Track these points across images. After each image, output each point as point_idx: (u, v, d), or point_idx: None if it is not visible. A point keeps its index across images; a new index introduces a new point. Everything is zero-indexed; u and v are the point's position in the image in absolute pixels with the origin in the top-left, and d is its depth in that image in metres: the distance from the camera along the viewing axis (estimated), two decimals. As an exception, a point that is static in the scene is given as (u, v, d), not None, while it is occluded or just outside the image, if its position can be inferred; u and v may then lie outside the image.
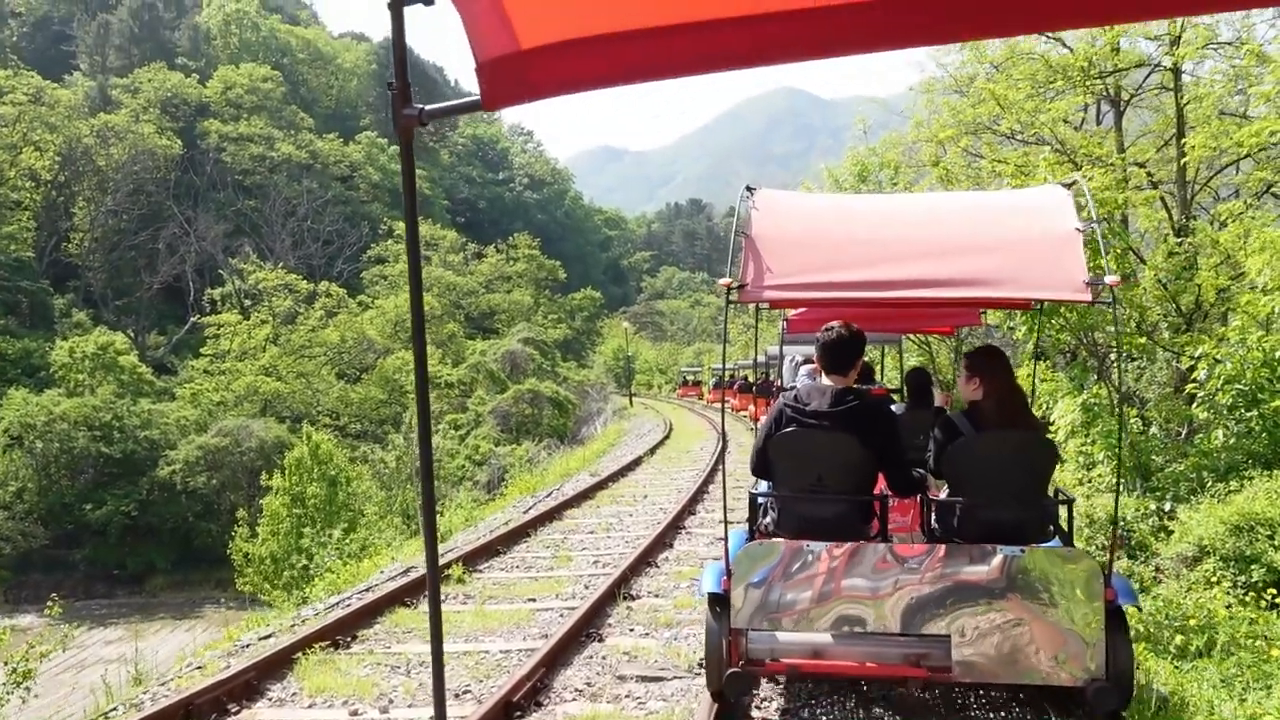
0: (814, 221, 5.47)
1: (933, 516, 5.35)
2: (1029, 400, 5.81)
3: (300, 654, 6.62)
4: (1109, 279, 4.55)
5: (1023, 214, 5.34)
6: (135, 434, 51.93)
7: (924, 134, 18.85)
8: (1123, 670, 4.67)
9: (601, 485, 17.48)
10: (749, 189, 5.36)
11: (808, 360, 10.18)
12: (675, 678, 6.03)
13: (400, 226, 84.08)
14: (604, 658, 6.53)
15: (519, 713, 5.39)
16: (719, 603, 4.99)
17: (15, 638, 21.46)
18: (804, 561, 4.81)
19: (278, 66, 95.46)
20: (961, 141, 17.54)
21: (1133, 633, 7.55)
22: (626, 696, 5.71)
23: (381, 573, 10.85)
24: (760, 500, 5.48)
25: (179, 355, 69.11)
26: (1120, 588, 4.83)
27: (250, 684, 6.06)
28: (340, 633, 7.24)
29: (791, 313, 8.57)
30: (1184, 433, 13.77)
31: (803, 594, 4.81)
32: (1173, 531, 10.27)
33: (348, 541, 17.99)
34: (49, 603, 23.96)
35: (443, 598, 8.78)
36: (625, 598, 8.17)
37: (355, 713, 5.63)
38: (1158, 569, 9.99)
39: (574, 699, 5.73)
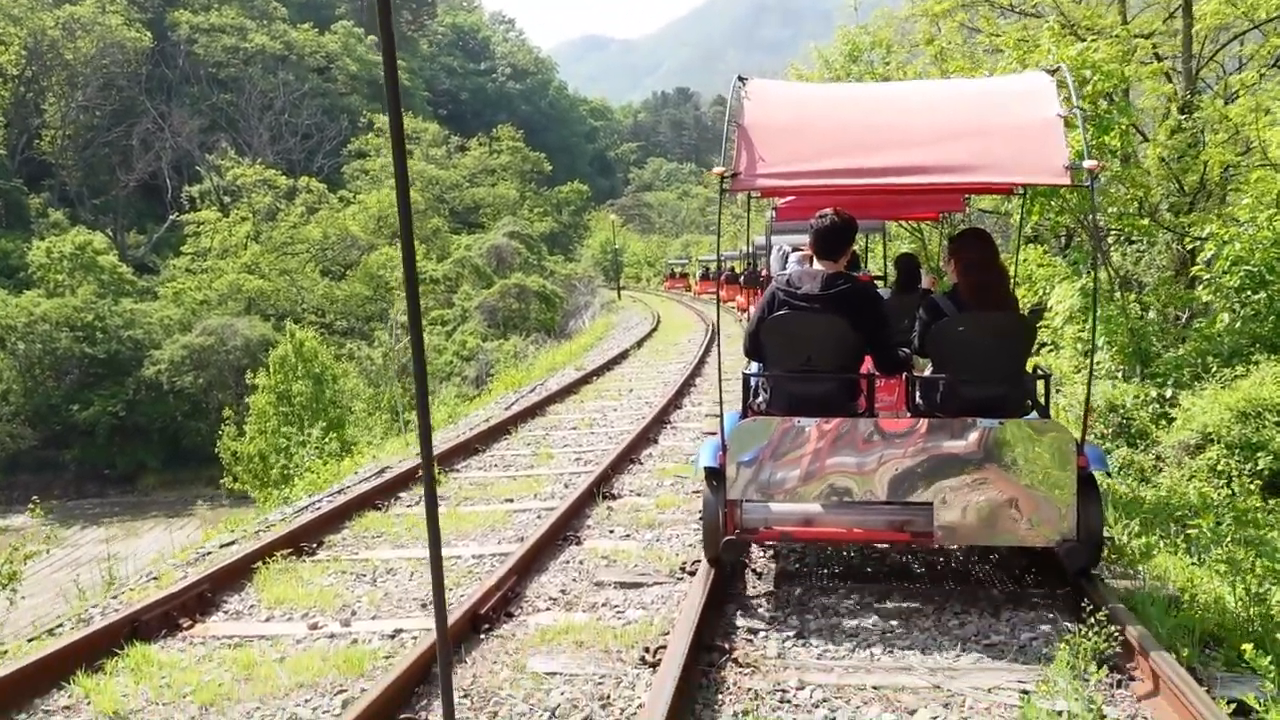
0: (804, 110, 5.52)
1: (917, 393, 5.59)
2: (1012, 283, 6.02)
3: (261, 563, 6.24)
4: (1087, 164, 4.68)
5: (1006, 100, 5.42)
6: (118, 334, 51.48)
7: (918, 9, 17.98)
8: (1093, 531, 4.96)
9: (586, 380, 17.09)
10: (741, 79, 5.38)
11: (796, 249, 10.49)
12: (656, 583, 5.67)
13: (381, 120, 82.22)
14: (581, 562, 6.16)
15: (487, 625, 5.02)
16: (715, 476, 5.21)
17: (6, 539, 21.27)
18: (795, 436, 5.03)
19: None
20: (957, 16, 16.73)
21: (1137, 525, 7.26)
22: (604, 605, 5.35)
23: (356, 473, 10.48)
24: (753, 380, 5.64)
25: (160, 254, 68.03)
26: (1092, 455, 5.13)
27: (204, 596, 5.68)
28: (305, 539, 6.86)
29: (780, 202, 8.60)
30: (1184, 318, 13.36)
31: (794, 467, 5.03)
32: (1174, 419, 9.91)
33: (327, 440, 17.62)
34: (30, 505, 23.70)
35: (417, 500, 8.44)
36: (606, 497, 7.80)
37: (315, 626, 5.26)
38: (1159, 457, 9.66)
39: (548, 608, 5.36)
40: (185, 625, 5.36)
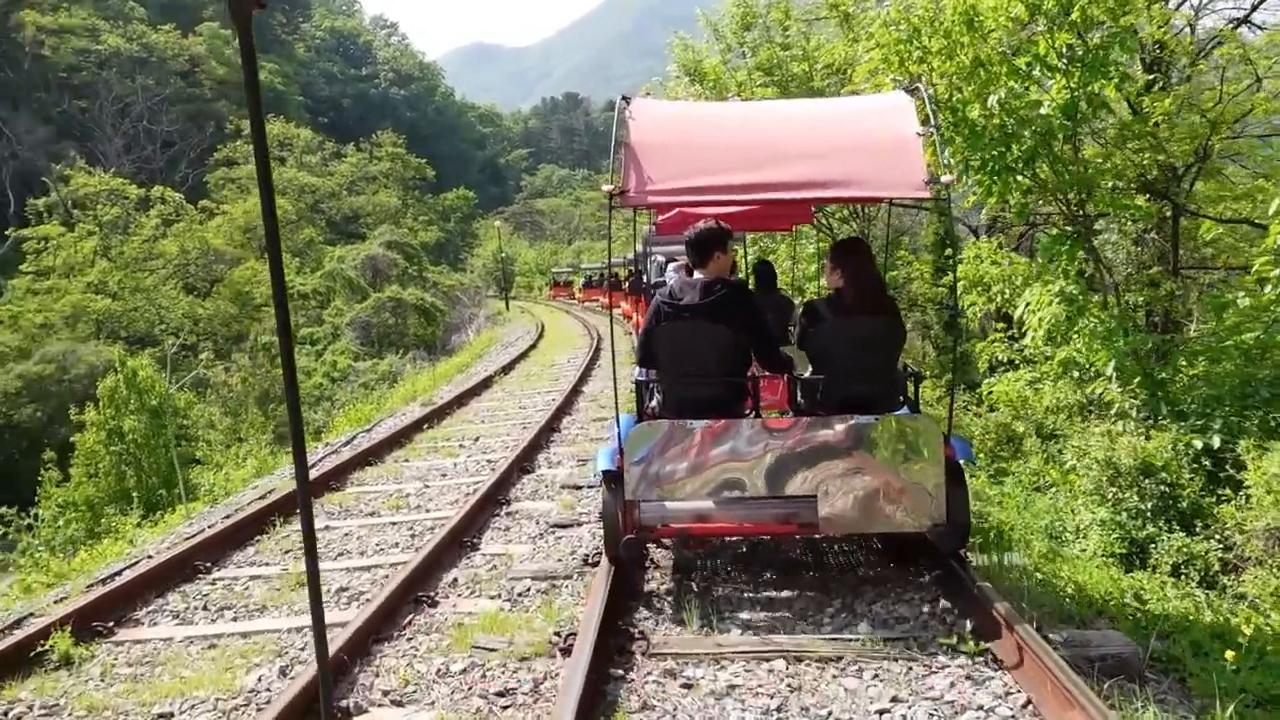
0: (684, 129, 5.81)
1: (799, 393, 5.84)
2: (887, 286, 6.25)
3: None
4: (944, 178, 4.97)
5: (869, 119, 5.76)
6: (-58, 365, 45.88)
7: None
8: (959, 516, 5.27)
9: (429, 420, 13.43)
10: (625, 99, 5.60)
11: (671, 259, 11.79)
12: None
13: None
14: None
15: None
16: (613, 479, 5.42)
17: None
18: (686, 437, 5.25)
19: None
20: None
21: None
22: None
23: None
24: (646, 386, 5.97)
25: (6, 274, 61.85)
26: (958, 447, 5.41)
27: None
28: None
29: (659, 216, 8.98)
30: (1192, 325, 10.30)
31: (686, 466, 5.25)
32: (1243, 485, 6.74)
33: (66, 522, 13.36)
34: None
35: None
36: (345, 716, 4.21)
37: None
38: (1229, 548, 6.46)
39: None
40: None
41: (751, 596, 5.45)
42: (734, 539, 6.29)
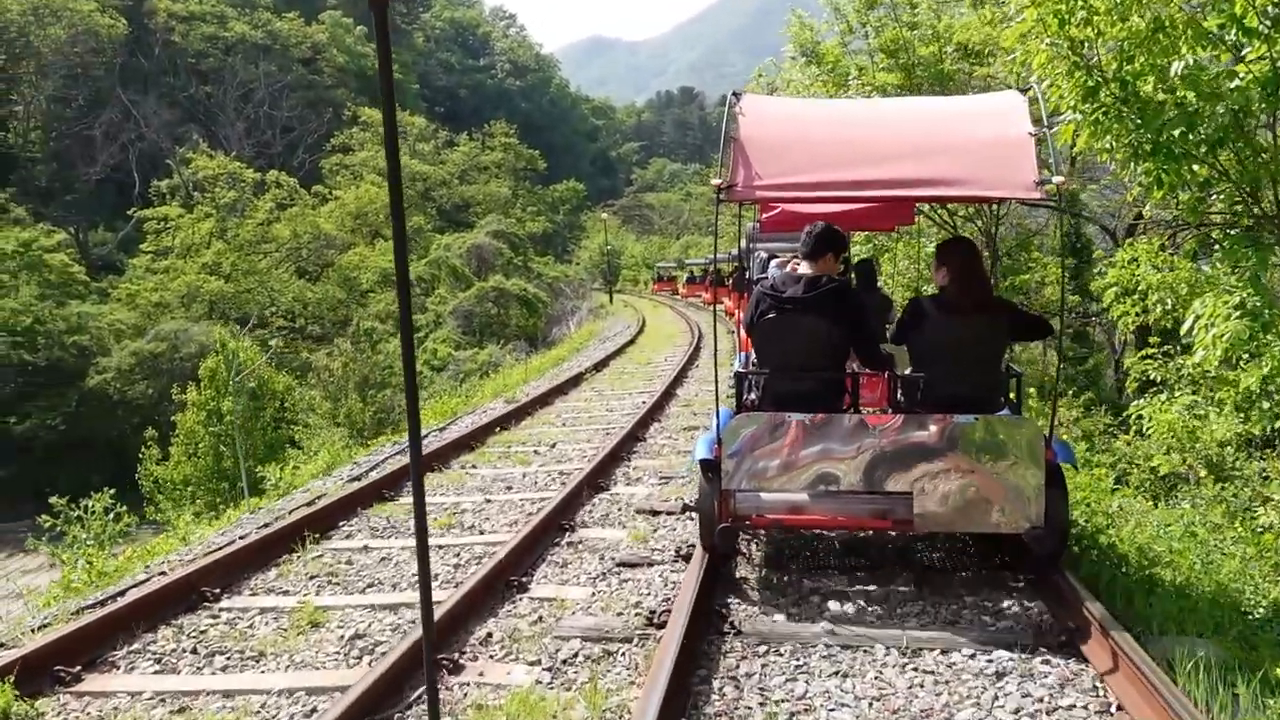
0: (794, 125, 5.77)
1: (899, 391, 5.84)
2: (993, 285, 6.20)
3: None
4: (1055, 179, 4.91)
5: (981, 119, 5.67)
6: (61, 340, 47.01)
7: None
8: (1058, 519, 5.22)
9: (506, 420, 12.43)
10: (735, 94, 5.59)
11: (774, 256, 11.60)
12: None
13: (366, 113, 77.88)
14: None
15: None
16: (711, 468, 5.45)
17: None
18: (784, 430, 5.29)
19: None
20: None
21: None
22: None
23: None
24: (745, 378, 5.98)
25: (129, 253, 63.51)
26: (1059, 450, 5.36)
27: None
28: None
29: (764, 214, 8.87)
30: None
31: (783, 459, 5.29)
32: None
33: (116, 515, 12.73)
34: None
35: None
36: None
37: None
38: None
39: None
40: None
41: (858, 690, 4.19)
42: (838, 587, 5.65)
